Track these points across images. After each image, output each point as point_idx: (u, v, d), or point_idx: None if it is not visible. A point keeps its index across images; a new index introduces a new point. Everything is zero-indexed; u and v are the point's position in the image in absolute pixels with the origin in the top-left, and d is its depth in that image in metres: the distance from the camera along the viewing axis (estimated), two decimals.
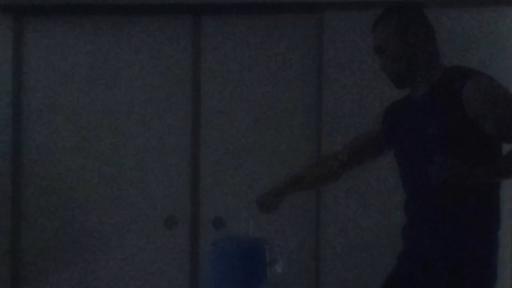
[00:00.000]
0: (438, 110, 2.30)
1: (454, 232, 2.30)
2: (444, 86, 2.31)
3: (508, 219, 3.63)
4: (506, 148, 2.31)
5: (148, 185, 3.93)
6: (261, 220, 3.22)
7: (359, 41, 3.77)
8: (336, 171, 2.73)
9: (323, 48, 3.80)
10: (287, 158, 3.87)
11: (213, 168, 3.91)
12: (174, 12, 3.94)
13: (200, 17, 3.93)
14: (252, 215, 3.34)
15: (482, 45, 3.69)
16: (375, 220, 3.73)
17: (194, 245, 3.91)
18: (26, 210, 3.98)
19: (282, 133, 3.88)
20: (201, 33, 3.93)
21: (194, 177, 3.92)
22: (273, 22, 3.90)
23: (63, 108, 3.98)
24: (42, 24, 4.00)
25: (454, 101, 2.25)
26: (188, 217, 3.92)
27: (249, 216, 3.44)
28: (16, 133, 3.97)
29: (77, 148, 3.96)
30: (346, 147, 2.70)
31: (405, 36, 2.35)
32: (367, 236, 3.74)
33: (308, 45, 3.87)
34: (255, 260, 3.39)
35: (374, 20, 2.45)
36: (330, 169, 2.73)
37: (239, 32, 3.92)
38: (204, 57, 3.93)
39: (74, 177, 3.96)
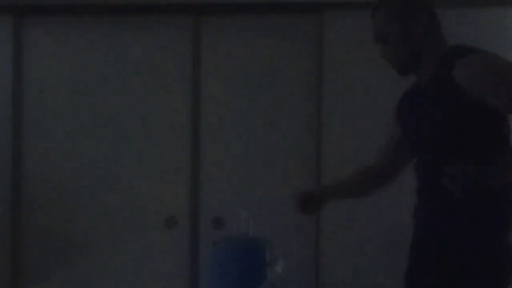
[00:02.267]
0: (439, 95, 2.25)
1: (464, 216, 2.23)
2: (441, 69, 2.26)
3: None
4: None
5: (148, 185, 3.93)
6: (261, 220, 3.22)
7: (359, 41, 3.76)
8: (374, 182, 2.69)
9: (323, 48, 3.79)
10: (287, 158, 3.87)
11: (213, 168, 3.91)
12: (174, 12, 3.94)
13: (200, 17, 3.93)
14: (252, 215, 3.34)
15: (482, 45, 3.68)
16: (375, 220, 3.72)
17: (194, 245, 3.91)
18: (26, 210, 3.98)
19: (282, 133, 3.88)
20: (201, 33, 3.93)
21: (194, 177, 3.92)
22: (273, 22, 3.90)
23: (63, 108, 3.98)
24: (42, 24, 4.00)
25: (450, 84, 2.19)
26: (188, 217, 3.92)
27: (249, 216, 3.43)
28: (16, 133, 3.97)
29: (77, 148, 3.96)
30: (379, 157, 2.66)
31: (407, 22, 2.29)
32: (367, 235, 3.74)
33: (308, 45, 3.87)
34: (255, 260, 3.39)
35: (372, 6, 2.38)
36: (369, 180, 2.68)
37: (239, 32, 3.92)
38: (204, 57, 3.93)
39: (74, 177, 3.96)
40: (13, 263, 3.96)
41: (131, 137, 3.95)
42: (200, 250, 3.89)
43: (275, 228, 3.81)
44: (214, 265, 3.51)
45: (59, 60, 3.99)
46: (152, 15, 3.95)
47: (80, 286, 3.96)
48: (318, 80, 3.83)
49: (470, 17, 3.70)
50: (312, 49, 3.86)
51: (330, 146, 3.77)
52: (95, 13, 3.96)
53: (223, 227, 3.87)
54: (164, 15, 3.95)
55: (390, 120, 2.59)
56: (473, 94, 2.15)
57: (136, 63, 3.96)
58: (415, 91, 2.43)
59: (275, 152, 3.88)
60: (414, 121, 2.38)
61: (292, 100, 3.88)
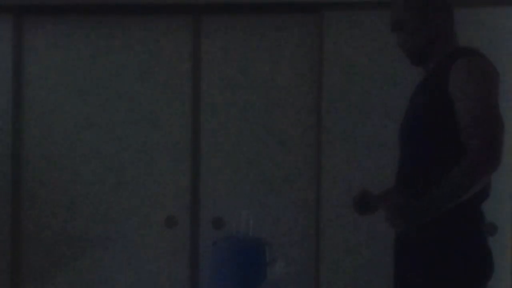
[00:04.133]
0: (428, 83, 2.32)
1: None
2: (441, 64, 2.30)
3: (508, 219, 3.63)
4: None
5: (148, 185, 3.93)
6: (261, 220, 3.22)
7: (359, 41, 3.77)
8: None
9: (323, 48, 3.79)
10: (287, 158, 3.87)
11: (213, 168, 3.91)
12: (174, 12, 3.94)
13: (200, 17, 3.93)
14: (252, 215, 3.35)
15: (482, 45, 3.69)
16: (375, 220, 3.72)
17: (194, 245, 3.91)
18: (26, 210, 3.98)
19: (282, 133, 3.88)
20: (201, 33, 3.93)
21: (194, 177, 3.92)
22: (273, 22, 3.90)
23: (63, 108, 3.98)
24: (42, 24, 4.00)
25: (443, 77, 2.24)
26: (188, 217, 3.92)
27: (249, 216, 3.44)
28: (16, 132, 3.97)
29: (77, 147, 3.96)
30: None
31: (425, 12, 2.33)
32: (367, 236, 3.74)
33: (308, 45, 3.87)
34: (255, 260, 3.39)
35: None
36: None
37: (239, 32, 3.92)
38: (204, 57, 3.93)
39: (74, 177, 3.96)
40: (13, 263, 3.96)
41: (131, 137, 3.95)
42: (200, 250, 3.89)
43: (275, 228, 3.81)
44: (214, 265, 3.51)
45: (59, 60, 3.99)
46: (152, 15, 3.95)
47: (80, 286, 3.96)
48: (318, 80, 3.83)
49: (470, 17, 3.70)
50: (312, 49, 3.86)
51: (330, 146, 3.77)
52: (95, 13, 3.96)
53: (223, 227, 3.87)
54: (164, 15, 3.95)
55: None
56: (451, 94, 2.22)
57: (136, 63, 3.96)
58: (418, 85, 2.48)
59: (275, 152, 3.88)
60: (406, 110, 2.46)
61: (292, 100, 3.88)
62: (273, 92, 3.89)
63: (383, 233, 3.69)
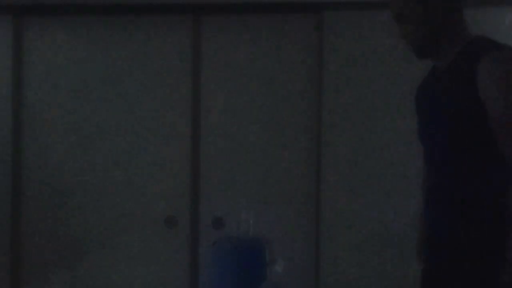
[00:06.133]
0: (456, 86, 2.18)
1: (462, 212, 2.18)
2: (464, 60, 2.19)
3: None
4: None
5: (148, 184, 3.93)
6: (261, 220, 3.22)
7: (359, 41, 3.76)
8: None
9: (323, 48, 3.79)
10: (287, 158, 3.87)
11: (213, 168, 3.91)
12: (174, 12, 3.94)
13: (200, 17, 3.93)
14: (252, 215, 3.35)
15: None
16: (375, 220, 3.72)
17: (194, 245, 3.91)
18: (26, 210, 3.98)
19: (282, 133, 3.88)
20: (201, 33, 3.93)
21: (194, 177, 3.92)
22: (273, 22, 3.90)
23: (63, 108, 3.98)
24: (42, 24, 4.00)
25: (469, 78, 2.13)
26: (188, 217, 3.92)
27: (249, 216, 3.44)
28: (16, 133, 3.97)
29: (77, 147, 3.96)
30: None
31: (425, 2, 2.24)
32: (368, 235, 3.74)
33: (308, 45, 3.87)
34: (255, 260, 3.39)
35: None
36: None
37: (239, 32, 3.92)
38: (204, 57, 3.93)
39: (74, 177, 3.96)
40: (13, 263, 3.96)
41: (131, 137, 3.94)
42: (200, 250, 3.89)
43: (275, 228, 3.81)
44: (214, 265, 3.51)
45: (59, 60, 3.99)
46: (152, 15, 3.95)
47: (80, 286, 3.96)
48: (318, 80, 3.83)
49: (470, 17, 3.69)
50: (312, 49, 3.86)
51: (330, 146, 3.77)
52: (95, 13, 3.96)
53: (223, 227, 3.87)
54: (164, 15, 3.95)
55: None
56: (483, 98, 2.11)
57: (136, 63, 3.96)
58: (430, 79, 2.36)
59: (275, 152, 3.88)
60: (426, 110, 2.32)
61: (292, 100, 3.88)
62: (273, 92, 3.89)
63: (383, 233, 3.69)
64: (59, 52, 3.99)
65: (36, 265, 3.98)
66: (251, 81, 3.91)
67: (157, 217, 3.92)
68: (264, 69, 3.90)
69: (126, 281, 3.94)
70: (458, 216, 2.19)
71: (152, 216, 3.93)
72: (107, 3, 3.92)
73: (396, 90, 3.70)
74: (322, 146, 3.78)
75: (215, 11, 3.92)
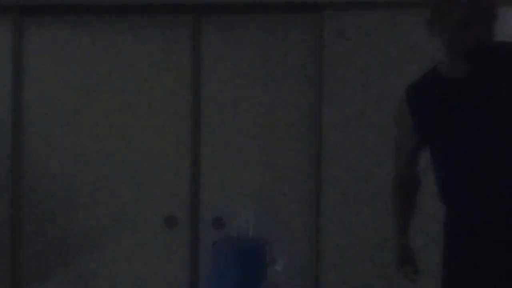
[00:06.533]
0: (496, 83, 2.17)
1: None
2: (495, 63, 2.22)
3: None
4: None
5: (148, 185, 3.93)
6: (261, 220, 3.22)
7: (359, 41, 3.76)
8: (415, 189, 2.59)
9: (323, 48, 3.80)
10: (287, 158, 3.87)
11: (213, 168, 3.92)
12: (174, 12, 3.94)
13: (200, 17, 3.93)
14: (252, 215, 3.35)
15: None
16: (375, 220, 3.72)
17: (194, 245, 3.91)
18: (26, 210, 3.98)
19: (282, 133, 3.88)
20: (201, 33, 3.94)
21: (194, 177, 3.92)
22: (273, 22, 3.90)
23: (63, 108, 3.98)
24: (42, 24, 4.00)
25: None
26: (188, 217, 3.92)
27: (249, 216, 3.44)
28: (16, 132, 3.97)
29: (77, 148, 3.96)
30: (402, 167, 2.53)
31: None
32: (368, 235, 3.74)
33: (308, 45, 3.87)
34: (255, 260, 3.39)
35: None
36: (416, 193, 2.59)
37: (239, 32, 3.92)
38: (204, 57, 3.93)
39: (74, 177, 3.96)
40: (13, 263, 3.97)
41: (131, 137, 3.95)
42: (200, 250, 3.89)
43: (275, 228, 3.81)
44: (214, 265, 3.51)
45: (59, 60, 3.99)
46: (152, 15, 3.95)
47: (80, 286, 3.96)
48: (318, 79, 3.83)
49: None
50: (312, 49, 3.86)
51: (330, 146, 3.77)
52: (95, 13, 3.96)
53: (223, 227, 3.87)
54: (164, 15, 3.95)
55: (399, 119, 2.46)
56: None
57: (136, 63, 3.96)
58: (445, 85, 2.28)
59: (275, 152, 3.88)
60: (460, 116, 2.23)
61: (292, 99, 3.88)
62: (273, 92, 3.89)
63: (383, 232, 3.69)
64: (59, 52, 3.99)
65: (36, 265, 3.98)
66: (251, 81, 3.91)
67: (157, 217, 3.92)
68: (264, 69, 3.90)
69: (126, 281, 3.94)
70: None
71: (152, 216, 3.93)
72: (107, 3, 3.92)
73: (396, 90, 3.69)
74: (322, 147, 3.78)
75: (215, 11, 3.92)
